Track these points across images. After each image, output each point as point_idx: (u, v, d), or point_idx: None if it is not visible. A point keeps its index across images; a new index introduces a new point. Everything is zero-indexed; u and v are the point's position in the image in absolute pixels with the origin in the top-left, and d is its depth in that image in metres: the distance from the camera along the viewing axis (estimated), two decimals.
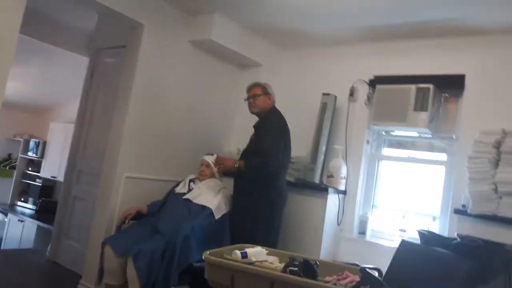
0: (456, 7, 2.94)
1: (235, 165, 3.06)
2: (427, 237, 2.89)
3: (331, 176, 3.56)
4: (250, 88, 3.28)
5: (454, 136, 3.32)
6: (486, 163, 2.88)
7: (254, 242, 2.39)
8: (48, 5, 4.07)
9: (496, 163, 2.89)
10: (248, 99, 3.26)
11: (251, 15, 3.66)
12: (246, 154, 3.21)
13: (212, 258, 1.88)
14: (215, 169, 3.37)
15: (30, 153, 6.95)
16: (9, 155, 7.20)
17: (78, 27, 4.62)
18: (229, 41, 3.86)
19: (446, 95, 3.42)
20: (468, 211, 2.93)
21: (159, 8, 3.56)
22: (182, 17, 3.75)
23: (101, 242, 3.00)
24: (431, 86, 3.26)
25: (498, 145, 2.89)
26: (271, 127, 3.12)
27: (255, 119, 3.35)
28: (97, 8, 3.43)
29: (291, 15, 3.50)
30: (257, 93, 3.21)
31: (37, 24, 4.35)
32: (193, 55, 3.90)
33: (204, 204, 3.11)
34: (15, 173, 7.10)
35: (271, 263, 1.95)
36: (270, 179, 3.06)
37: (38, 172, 6.75)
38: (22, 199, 6.95)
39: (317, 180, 3.61)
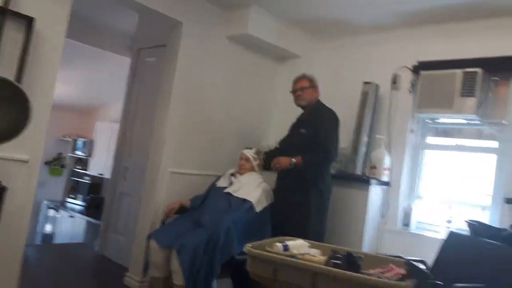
0: None
1: (292, 162, 3.00)
2: (477, 228, 2.75)
3: (374, 167, 3.47)
4: (297, 80, 3.26)
5: (505, 122, 3.14)
6: None
7: (306, 236, 2.43)
8: (90, 9, 4.19)
9: None
10: (295, 91, 3.24)
11: (287, 7, 3.62)
12: (292, 147, 3.14)
13: (254, 250, 1.87)
14: (255, 163, 3.37)
15: (78, 152, 7.23)
16: (59, 154, 7.51)
17: (120, 28, 4.74)
18: (266, 34, 3.83)
19: (496, 78, 3.22)
20: None
21: (196, 5, 3.59)
22: (219, 13, 3.77)
23: (146, 236, 3.08)
24: (478, 70, 3.10)
25: None
26: (329, 121, 3.11)
27: (293, 112, 3.31)
28: (137, 8, 3.50)
29: (327, 3, 3.43)
30: (305, 85, 3.20)
31: (81, 28, 4.50)
32: (231, 50, 3.91)
33: (244, 197, 3.12)
34: (65, 172, 7.42)
35: (313, 256, 1.92)
36: (319, 171, 3.10)
37: (86, 170, 7.01)
38: (72, 196, 7.25)
39: (359, 172, 3.54)
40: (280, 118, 4.11)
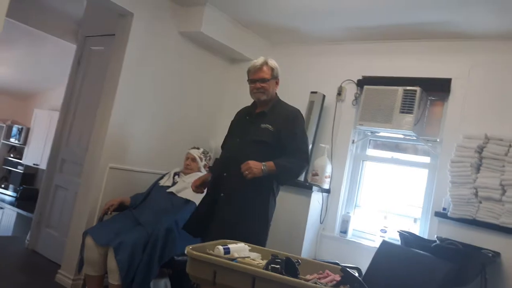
0: (446, 11, 2.97)
1: (264, 169, 2.43)
2: (408, 238, 2.94)
3: (316, 174, 3.58)
4: (257, 69, 2.65)
5: (438, 140, 3.36)
6: (468, 167, 2.93)
7: (260, 244, 2.25)
8: None
9: (478, 168, 2.94)
10: (253, 81, 2.65)
11: (242, 9, 3.65)
12: (252, 145, 2.56)
13: (195, 252, 1.87)
14: (201, 163, 3.36)
15: (12, 139, 6.84)
16: None
17: (66, 13, 4.54)
18: (219, 35, 3.84)
19: (432, 98, 3.46)
20: (448, 214, 2.98)
21: None
22: (173, 7, 3.72)
23: (82, 232, 2.98)
24: (418, 88, 3.30)
25: (480, 150, 2.95)
26: (302, 123, 2.71)
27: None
28: None
29: (282, 11, 3.51)
30: (267, 76, 2.63)
31: (24, 8, 4.27)
32: (182, 46, 3.87)
33: (188, 198, 3.10)
34: None
35: (253, 259, 1.95)
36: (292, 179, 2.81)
37: (20, 159, 6.65)
38: (3, 185, 6.84)
39: (301, 178, 3.63)
40: (229, 120, 4.12)
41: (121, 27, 3.50)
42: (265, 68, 2.65)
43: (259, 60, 2.67)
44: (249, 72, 2.70)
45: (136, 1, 3.42)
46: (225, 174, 2.58)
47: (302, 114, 2.72)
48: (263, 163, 2.43)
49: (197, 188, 2.75)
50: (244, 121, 2.74)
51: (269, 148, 2.54)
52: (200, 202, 2.72)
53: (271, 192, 2.57)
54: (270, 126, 2.57)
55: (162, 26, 3.66)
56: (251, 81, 2.67)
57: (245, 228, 2.42)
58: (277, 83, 2.71)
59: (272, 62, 2.69)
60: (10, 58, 5.46)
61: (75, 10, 4.35)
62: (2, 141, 6.97)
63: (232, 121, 2.86)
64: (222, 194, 2.55)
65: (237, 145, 2.62)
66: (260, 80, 2.63)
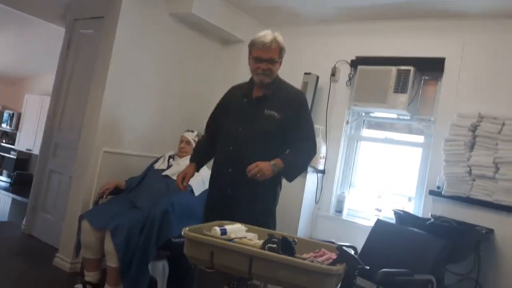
0: None
1: (275, 169, 2.20)
2: (402, 217, 2.97)
3: None
4: (266, 47, 2.27)
5: (432, 119, 3.37)
6: (462, 146, 2.96)
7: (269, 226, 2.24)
8: None
9: (472, 147, 2.97)
10: (260, 61, 2.29)
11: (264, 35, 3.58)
12: (257, 135, 2.30)
13: (192, 234, 1.88)
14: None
15: (3, 125, 6.78)
16: None
17: None
18: (211, 16, 3.79)
19: (426, 77, 3.45)
20: (443, 192, 3.01)
21: None
22: None
23: (78, 216, 2.98)
24: (411, 68, 3.30)
25: (474, 129, 2.96)
26: (308, 108, 2.50)
27: None
28: None
29: None
30: (275, 57, 2.31)
31: None
32: (173, 28, 3.82)
33: None
34: None
35: (250, 239, 1.96)
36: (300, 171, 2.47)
37: (13, 145, 6.60)
38: None
39: None
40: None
41: (110, 10, 3.44)
42: (274, 46, 2.29)
43: (267, 36, 2.29)
44: (254, 46, 2.31)
45: None
46: (230, 169, 2.32)
47: (305, 97, 2.52)
48: (272, 162, 2.19)
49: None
50: (242, 104, 2.39)
51: (275, 139, 2.30)
52: (208, 201, 2.50)
53: (278, 184, 2.41)
54: (276, 114, 2.29)
55: (152, 7, 3.60)
56: (256, 59, 2.30)
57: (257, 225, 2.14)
58: (280, 63, 2.38)
59: (281, 39, 2.33)
60: None
61: None
62: None
63: (225, 99, 2.51)
64: (229, 191, 2.33)
65: (240, 135, 2.32)
66: (269, 60, 2.29)
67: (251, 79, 2.42)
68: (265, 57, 2.28)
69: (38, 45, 5.65)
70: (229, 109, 2.44)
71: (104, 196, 3.17)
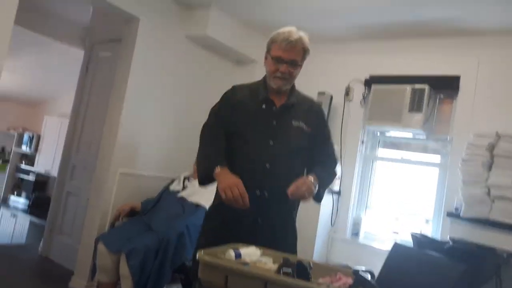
0: (453, 7, 2.95)
1: (315, 185, 1.87)
2: (420, 240, 2.91)
3: None
4: (291, 46, 1.95)
5: (448, 138, 3.33)
6: (480, 166, 2.89)
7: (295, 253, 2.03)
8: None
9: (490, 166, 2.90)
10: (281, 61, 1.96)
11: (247, 11, 3.65)
12: (291, 149, 1.99)
13: (206, 257, 1.87)
14: None
15: (23, 147, 6.89)
16: (3, 148, 7.13)
17: (74, 19, 4.58)
18: (225, 37, 3.85)
19: (441, 96, 3.42)
20: (461, 214, 2.94)
21: (155, 2, 3.55)
22: (178, 11, 3.74)
23: (94, 239, 3.00)
24: (426, 86, 3.27)
25: (491, 148, 2.90)
26: (327, 122, 2.28)
27: None
28: (93, 1, 3.41)
29: (286, 11, 3.49)
30: (298, 59, 2.00)
31: (33, 15, 4.31)
32: (189, 50, 3.88)
33: (198, 202, 3.10)
34: (8, 167, 7.04)
35: (265, 263, 1.94)
36: None
37: (32, 166, 6.70)
38: (15, 193, 6.90)
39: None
40: None
41: (127, 32, 3.52)
42: (299, 46, 1.97)
43: (293, 33, 1.96)
44: (274, 43, 1.99)
45: (142, 6, 3.44)
46: (265, 193, 1.92)
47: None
48: (311, 179, 1.87)
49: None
50: (262, 111, 2.02)
51: (305, 156, 2.04)
52: (222, 230, 1.97)
53: (297, 206, 2.15)
54: (304, 126, 2.02)
55: (168, 30, 3.67)
56: (276, 59, 1.96)
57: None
58: (301, 67, 2.06)
59: (307, 40, 2.00)
60: (19, 65, 5.51)
61: (82, 16, 4.39)
62: (13, 149, 7.03)
63: (232, 100, 2.08)
64: (259, 220, 1.95)
65: (274, 151, 1.96)
66: (290, 62, 1.97)
67: (264, 82, 2.08)
68: (287, 58, 1.96)
69: (57, 68, 5.79)
70: (242, 115, 2.02)
71: (120, 219, 3.19)
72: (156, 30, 3.57)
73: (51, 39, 4.90)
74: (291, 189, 1.82)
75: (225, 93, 2.15)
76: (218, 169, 1.87)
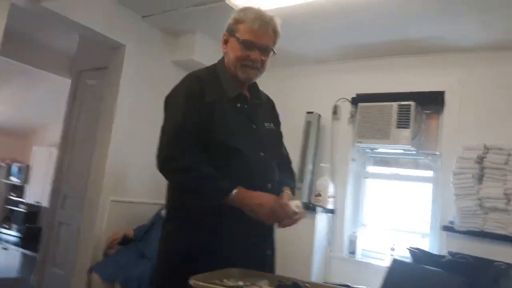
0: (434, 25, 3.01)
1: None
2: (418, 255, 2.90)
3: (319, 194, 3.56)
4: (264, 29, 1.65)
5: (437, 153, 3.35)
6: (470, 178, 2.92)
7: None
8: (28, 26, 4.04)
9: (480, 179, 2.93)
10: (252, 47, 1.65)
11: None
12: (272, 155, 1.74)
13: (201, 283, 1.84)
14: None
15: (12, 178, 6.81)
16: None
17: (59, 48, 4.60)
18: (211, 60, 3.82)
19: (427, 111, 3.47)
20: (456, 227, 2.95)
21: (140, 29, 3.57)
22: (164, 37, 3.77)
23: (87, 269, 2.95)
24: (412, 103, 3.31)
25: (480, 161, 2.94)
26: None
27: None
28: (78, 29, 3.42)
29: None
30: (271, 45, 1.71)
31: (18, 46, 4.31)
32: (176, 74, 3.83)
33: None
34: None
35: (259, 286, 1.92)
36: None
37: (22, 198, 6.61)
38: (6, 226, 6.77)
39: (305, 199, 3.60)
40: None
41: (114, 60, 3.54)
42: (271, 28, 1.68)
43: (263, 11, 1.66)
44: (242, 23, 1.65)
45: (128, 33, 3.47)
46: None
47: None
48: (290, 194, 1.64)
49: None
50: (238, 111, 1.68)
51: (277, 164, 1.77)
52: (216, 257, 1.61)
53: None
54: (273, 126, 1.80)
55: (155, 56, 3.69)
56: (246, 44, 1.63)
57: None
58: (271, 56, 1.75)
59: (279, 21, 1.71)
60: (5, 96, 5.50)
61: (67, 45, 4.40)
62: (2, 180, 6.94)
63: (207, 102, 1.62)
64: (261, 246, 1.80)
65: (267, 164, 1.69)
66: (264, 49, 1.68)
67: (224, 72, 1.72)
68: (259, 42, 1.65)
69: (44, 97, 5.77)
70: (220, 118, 1.61)
71: (113, 247, 3.14)
72: (142, 56, 3.59)
73: (38, 68, 4.91)
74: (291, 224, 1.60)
75: (189, 87, 1.69)
76: (236, 191, 1.50)
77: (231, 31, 1.68)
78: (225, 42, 1.73)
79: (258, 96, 1.77)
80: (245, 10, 1.67)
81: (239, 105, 1.68)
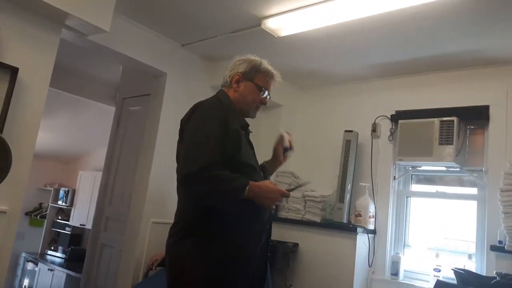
0: (473, 39, 2.94)
1: None
2: (464, 277, 2.77)
3: (359, 215, 3.48)
4: (274, 80, 2.09)
5: (483, 169, 3.22)
6: None
7: None
8: (75, 59, 4.27)
9: None
10: (267, 93, 2.07)
11: (268, 59, 3.73)
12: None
13: None
14: None
15: (59, 202, 7.07)
16: (40, 204, 7.34)
17: (104, 78, 4.82)
18: None
19: (471, 126, 3.36)
20: (506, 247, 2.79)
21: (180, 56, 3.69)
22: (203, 63, 3.87)
23: None
24: (454, 118, 3.22)
25: None
26: None
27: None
28: (122, 60, 3.58)
29: (307, 56, 3.57)
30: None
31: (65, 77, 4.55)
32: None
33: None
34: (45, 222, 7.22)
35: None
36: None
37: (68, 221, 6.84)
38: (52, 247, 7.01)
39: (345, 220, 3.54)
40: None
41: (156, 87, 3.67)
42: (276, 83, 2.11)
43: (271, 68, 2.07)
44: (264, 74, 2.04)
45: (169, 61, 3.59)
46: (268, 226, 1.97)
47: None
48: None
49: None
50: (246, 138, 1.99)
51: None
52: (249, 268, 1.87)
53: None
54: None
55: (195, 82, 3.80)
56: (264, 90, 2.03)
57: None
58: None
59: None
60: (54, 124, 5.76)
61: (112, 75, 4.61)
62: (50, 204, 7.23)
63: (229, 125, 1.86)
64: (269, 254, 1.99)
65: (262, 176, 2.04)
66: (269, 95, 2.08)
67: (230, 104, 1.97)
68: (269, 86, 2.06)
69: (90, 124, 6.02)
70: (240, 144, 1.87)
71: (153, 268, 3.18)
72: (183, 82, 3.70)
73: (84, 97, 5.15)
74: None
75: (219, 111, 1.90)
76: (249, 186, 1.74)
77: (247, 77, 2.00)
78: (237, 81, 2.00)
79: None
80: (262, 62, 2.04)
81: (244, 132, 1.96)
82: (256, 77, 2.01)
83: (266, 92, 2.02)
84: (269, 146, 3.46)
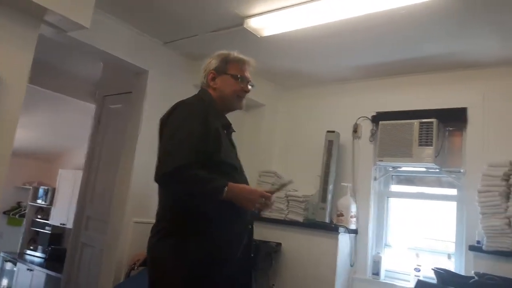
0: (454, 42, 3.00)
1: None
2: (444, 276, 2.82)
3: (341, 214, 3.51)
4: (252, 66, 2.11)
5: (462, 170, 3.28)
6: (497, 196, 2.84)
7: None
8: (54, 56, 4.18)
9: (507, 196, 2.85)
10: (246, 81, 2.06)
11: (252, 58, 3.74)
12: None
13: None
14: None
15: (39, 201, 6.95)
16: (19, 203, 7.20)
17: (84, 75, 4.73)
18: None
19: (450, 128, 3.42)
20: (483, 247, 2.85)
21: (162, 54, 3.65)
22: (185, 62, 3.84)
23: None
24: (434, 120, 3.27)
25: (507, 178, 2.86)
26: None
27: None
28: (103, 57, 3.53)
29: (290, 56, 3.58)
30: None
31: (44, 73, 4.46)
32: None
33: None
34: (24, 222, 7.08)
35: None
36: None
37: (47, 220, 6.73)
38: (31, 247, 6.89)
39: (327, 220, 3.56)
40: (247, 166, 4.12)
41: (137, 85, 3.62)
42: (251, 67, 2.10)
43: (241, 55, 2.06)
44: (234, 63, 2.03)
45: (151, 59, 3.55)
46: (250, 226, 1.98)
47: None
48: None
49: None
50: (228, 137, 1.99)
51: None
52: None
53: None
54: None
55: (177, 80, 3.76)
56: (242, 78, 2.01)
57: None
58: None
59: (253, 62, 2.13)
60: (32, 122, 5.65)
61: (92, 72, 4.53)
62: (29, 203, 7.10)
63: (209, 123, 1.84)
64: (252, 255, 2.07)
65: (244, 176, 2.04)
66: (249, 81, 2.06)
67: (212, 102, 1.97)
68: (249, 77, 2.05)
69: (70, 122, 5.93)
70: (221, 143, 1.86)
71: (136, 267, 3.15)
72: (165, 81, 3.66)
73: (63, 94, 5.06)
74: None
75: (198, 112, 1.87)
76: (227, 187, 1.73)
77: (220, 70, 2.00)
78: (213, 79, 2.01)
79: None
80: (232, 53, 2.03)
81: (225, 131, 1.95)
82: (229, 68, 2.01)
83: (244, 79, 2.01)
84: (251, 145, 3.47)
